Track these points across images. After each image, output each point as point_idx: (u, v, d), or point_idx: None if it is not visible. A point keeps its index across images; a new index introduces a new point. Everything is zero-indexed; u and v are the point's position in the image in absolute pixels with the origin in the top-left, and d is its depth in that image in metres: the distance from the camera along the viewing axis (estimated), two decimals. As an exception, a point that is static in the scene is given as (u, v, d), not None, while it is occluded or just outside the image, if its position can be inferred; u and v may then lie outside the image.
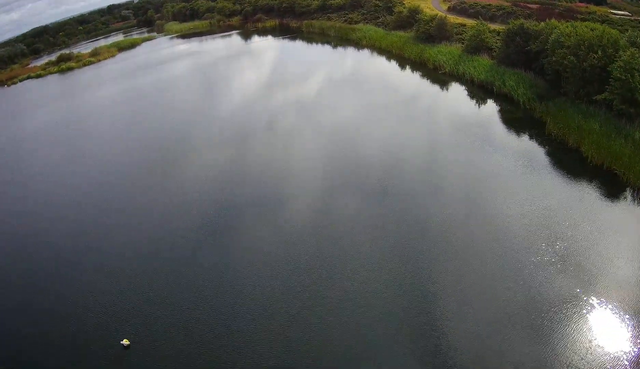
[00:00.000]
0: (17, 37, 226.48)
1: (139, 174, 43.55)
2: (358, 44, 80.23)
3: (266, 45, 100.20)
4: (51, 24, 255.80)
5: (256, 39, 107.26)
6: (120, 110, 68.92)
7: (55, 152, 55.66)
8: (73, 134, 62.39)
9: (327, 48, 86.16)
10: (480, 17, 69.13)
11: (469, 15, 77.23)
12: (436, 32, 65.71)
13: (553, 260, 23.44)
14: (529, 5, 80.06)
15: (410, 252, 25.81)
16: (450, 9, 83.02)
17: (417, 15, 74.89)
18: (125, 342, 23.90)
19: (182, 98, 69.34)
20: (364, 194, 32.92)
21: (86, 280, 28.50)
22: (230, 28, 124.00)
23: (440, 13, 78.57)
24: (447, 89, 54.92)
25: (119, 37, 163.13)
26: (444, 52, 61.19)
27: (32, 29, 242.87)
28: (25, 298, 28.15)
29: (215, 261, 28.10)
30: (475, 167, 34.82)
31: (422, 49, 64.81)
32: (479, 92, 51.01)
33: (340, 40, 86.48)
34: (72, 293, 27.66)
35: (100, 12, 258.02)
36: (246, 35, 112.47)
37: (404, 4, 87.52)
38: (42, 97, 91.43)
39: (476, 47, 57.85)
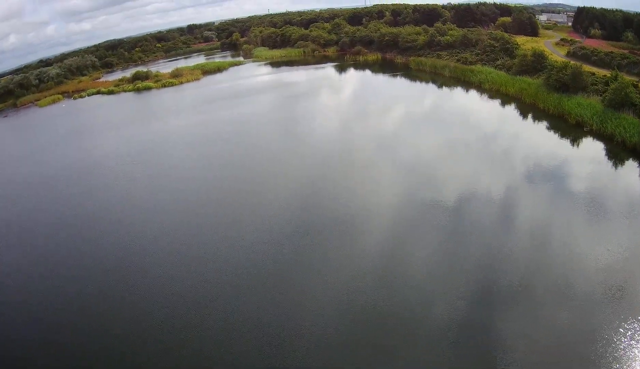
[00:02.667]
0: (89, 48, 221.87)
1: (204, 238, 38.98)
2: (479, 88, 77.50)
3: (372, 81, 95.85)
4: (126, 38, 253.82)
5: (359, 74, 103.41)
6: (194, 152, 61.75)
7: (105, 193, 51.77)
8: (133, 170, 57.67)
9: (446, 90, 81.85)
10: (615, 67, 68.55)
11: (593, 63, 76.78)
12: (571, 81, 63.58)
13: None
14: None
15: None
16: (570, 54, 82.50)
17: (543, 61, 73.54)
18: None
19: (263, 145, 61.41)
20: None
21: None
22: (326, 59, 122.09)
23: (558, 58, 78.79)
24: (600, 153, 49.25)
25: (200, 59, 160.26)
26: (584, 105, 58.70)
27: (105, 41, 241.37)
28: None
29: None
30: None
31: (558, 100, 62.33)
32: (634, 157, 46.30)
33: (457, 81, 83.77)
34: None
35: (180, 31, 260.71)
36: (345, 69, 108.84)
37: (519, 46, 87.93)
38: (107, 117, 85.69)
39: (620, 102, 55.28)
